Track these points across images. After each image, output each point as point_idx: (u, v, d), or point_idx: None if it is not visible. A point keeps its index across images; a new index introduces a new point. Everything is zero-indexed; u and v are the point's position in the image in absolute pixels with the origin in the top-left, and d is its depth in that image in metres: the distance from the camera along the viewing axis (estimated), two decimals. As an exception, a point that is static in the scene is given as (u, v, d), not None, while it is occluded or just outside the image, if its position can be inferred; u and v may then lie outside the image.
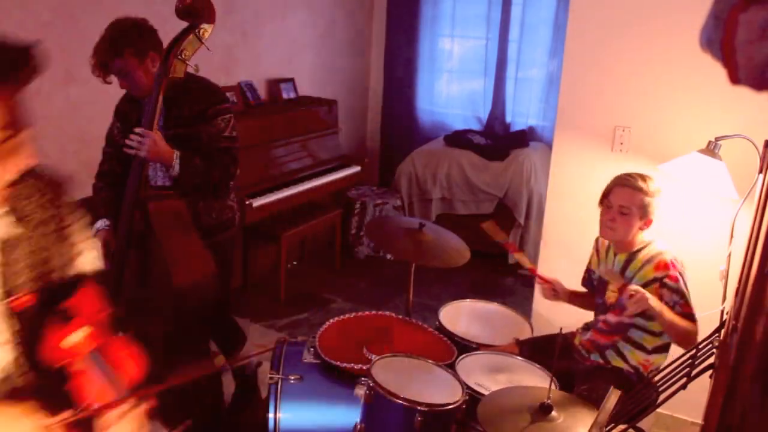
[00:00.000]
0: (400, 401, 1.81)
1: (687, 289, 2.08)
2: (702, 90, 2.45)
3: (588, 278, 2.42)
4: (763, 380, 0.92)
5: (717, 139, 2.26)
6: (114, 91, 2.74)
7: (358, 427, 1.90)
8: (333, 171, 4.28)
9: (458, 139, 4.83)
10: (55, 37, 2.90)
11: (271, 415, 2.03)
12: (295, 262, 4.46)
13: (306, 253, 4.57)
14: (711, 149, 2.27)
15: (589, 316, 2.43)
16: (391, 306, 3.87)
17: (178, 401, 2.21)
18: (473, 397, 1.94)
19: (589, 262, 2.41)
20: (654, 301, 2.00)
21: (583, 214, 2.72)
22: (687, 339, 2.05)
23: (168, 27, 3.61)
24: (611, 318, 2.21)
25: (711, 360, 1.61)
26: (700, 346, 1.70)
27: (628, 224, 2.12)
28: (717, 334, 1.69)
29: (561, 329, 1.91)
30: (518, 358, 2.24)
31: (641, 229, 2.14)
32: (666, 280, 2.07)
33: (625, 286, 2.08)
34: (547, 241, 2.97)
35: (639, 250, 2.16)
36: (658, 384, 1.71)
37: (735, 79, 0.61)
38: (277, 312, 3.78)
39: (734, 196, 2.26)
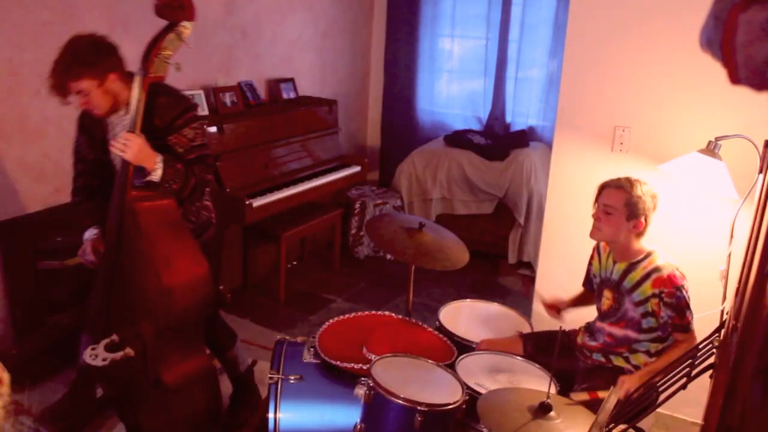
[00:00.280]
0: (400, 401, 1.81)
1: (686, 299, 2.08)
2: (702, 90, 2.45)
3: (588, 279, 2.42)
4: (763, 380, 0.92)
5: (717, 139, 2.26)
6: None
7: (358, 427, 1.90)
8: (333, 171, 4.28)
9: (458, 139, 4.83)
10: (55, 37, 2.89)
11: (271, 415, 2.04)
12: (295, 262, 4.46)
13: (306, 253, 4.57)
14: (711, 149, 2.26)
15: (589, 315, 2.43)
16: (391, 306, 3.87)
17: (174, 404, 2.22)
18: (473, 397, 1.94)
19: (590, 263, 2.41)
20: (638, 378, 2.04)
21: (583, 214, 2.72)
22: (686, 352, 2.07)
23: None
24: (616, 331, 2.21)
25: (711, 360, 1.61)
26: (700, 346, 1.70)
27: (613, 224, 2.12)
28: (717, 334, 1.69)
29: (561, 327, 1.91)
30: (518, 358, 2.24)
31: (633, 232, 2.12)
32: (663, 297, 2.08)
33: (622, 382, 2.07)
34: (547, 241, 2.97)
35: (639, 261, 2.15)
36: (658, 384, 1.71)
37: (735, 79, 0.61)
38: (277, 312, 3.78)
39: (734, 196, 2.26)
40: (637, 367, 2.18)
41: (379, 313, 2.47)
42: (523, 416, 1.63)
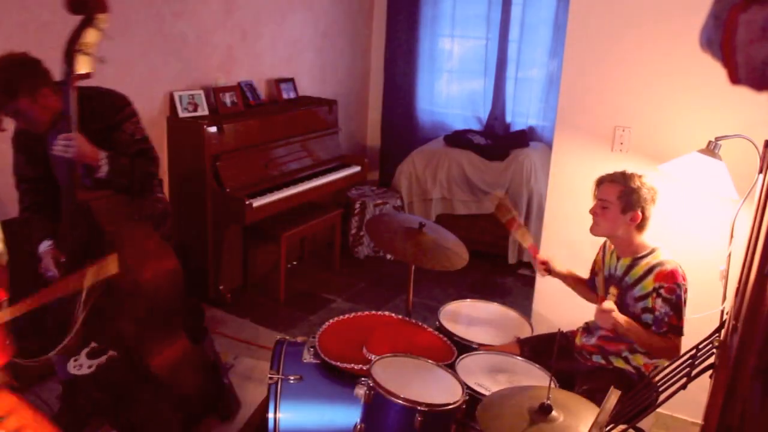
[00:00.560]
0: (400, 401, 1.81)
1: (684, 301, 2.07)
2: (702, 90, 2.45)
3: (592, 280, 2.42)
4: (763, 380, 0.92)
5: (717, 139, 2.26)
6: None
7: (358, 427, 1.90)
8: (333, 171, 4.28)
9: (458, 139, 4.83)
10: (55, 37, 2.89)
11: (271, 415, 2.04)
12: (295, 262, 4.46)
13: (306, 253, 4.57)
14: (711, 149, 2.26)
15: (588, 315, 2.43)
16: (391, 306, 3.87)
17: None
18: (473, 397, 1.94)
19: (594, 264, 2.41)
20: (622, 319, 2.04)
21: (583, 213, 2.72)
22: (665, 354, 2.07)
23: (165, 28, 3.62)
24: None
25: (711, 360, 1.61)
26: (700, 346, 1.70)
27: (610, 218, 2.13)
28: (717, 334, 1.69)
29: (559, 329, 1.91)
30: (518, 358, 2.24)
31: (631, 226, 2.13)
32: (662, 291, 2.07)
33: (602, 299, 2.10)
34: (547, 240, 2.97)
35: (643, 257, 2.15)
36: (658, 384, 1.71)
37: (735, 79, 0.61)
38: (277, 312, 3.78)
39: (734, 196, 2.26)
40: (637, 368, 2.18)
41: (379, 313, 2.47)
42: (523, 419, 1.62)
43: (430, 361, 2.07)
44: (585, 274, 2.47)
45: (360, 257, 4.63)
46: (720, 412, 1.19)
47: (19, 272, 1.88)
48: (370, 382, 1.87)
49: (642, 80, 2.58)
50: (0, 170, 2.83)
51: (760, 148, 2.07)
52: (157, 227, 2.41)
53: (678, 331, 2.07)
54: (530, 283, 3.55)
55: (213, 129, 3.54)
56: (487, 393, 1.93)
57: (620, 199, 2.10)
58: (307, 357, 2.17)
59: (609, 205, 2.12)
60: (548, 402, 1.63)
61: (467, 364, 2.16)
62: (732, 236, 2.18)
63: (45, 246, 2.31)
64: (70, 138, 2.07)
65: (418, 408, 1.80)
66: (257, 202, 3.58)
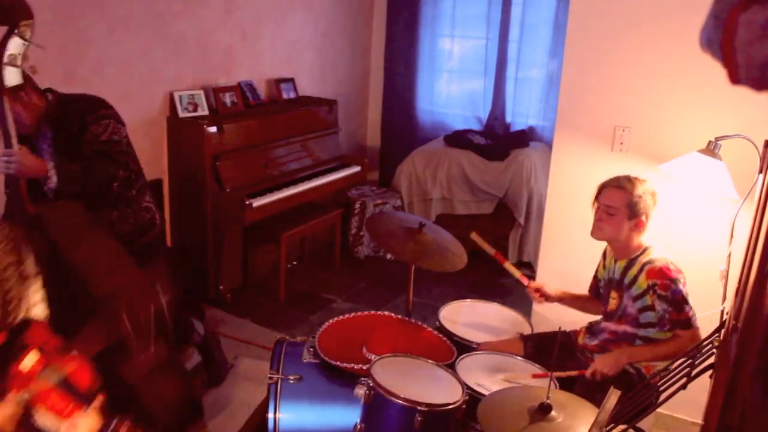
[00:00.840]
0: (400, 401, 1.81)
1: (683, 294, 2.07)
2: (702, 90, 2.45)
3: (595, 286, 2.43)
4: (763, 380, 0.92)
5: (717, 139, 2.26)
6: (112, 93, 2.74)
7: (358, 427, 1.90)
8: (333, 171, 4.28)
9: (458, 139, 4.83)
10: (55, 37, 2.90)
11: (270, 415, 2.03)
12: (295, 262, 4.45)
13: (306, 253, 4.57)
14: (711, 149, 2.26)
15: (588, 314, 2.43)
16: (391, 306, 3.86)
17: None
18: (473, 397, 1.94)
19: (597, 270, 2.41)
20: (626, 354, 2.07)
21: (583, 214, 2.72)
22: (681, 352, 2.06)
23: (165, 28, 3.61)
24: (615, 327, 2.21)
25: (711, 360, 1.61)
26: (700, 346, 1.70)
27: (615, 224, 2.13)
28: (717, 334, 1.69)
29: (560, 328, 1.91)
30: (518, 358, 2.24)
31: (634, 231, 2.13)
32: (657, 289, 2.07)
33: (583, 372, 2.11)
34: (547, 241, 2.97)
35: (637, 257, 2.16)
36: (658, 384, 1.70)
37: (735, 79, 0.61)
38: (277, 312, 3.78)
39: (734, 196, 2.26)
40: (638, 370, 2.18)
41: (379, 313, 2.47)
42: (523, 418, 1.62)
43: (430, 361, 2.07)
44: (584, 274, 2.47)
45: (360, 257, 4.63)
46: (720, 412, 1.19)
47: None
48: (370, 382, 1.87)
49: (642, 80, 2.58)
50: None
51: (760, 148, 2.07)
52: (140, 236, 2.40)
53: (682, 324, 2.06)
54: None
55: (213, 129, 3.54)
56: (487, 393, 1.93)
57: (628, 207, 2.11)
58: (307, 357, 2.17)
59: (615, 212, 2.12)
60: (548, 401, 1.63)
61: (467, 364, 2.16)
62: (732, 236, 2.18)
63: None
64: (11, 154, 2.02)
65: (418, 408, 1.80)
66: (257, 202, 3.58)
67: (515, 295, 4.08)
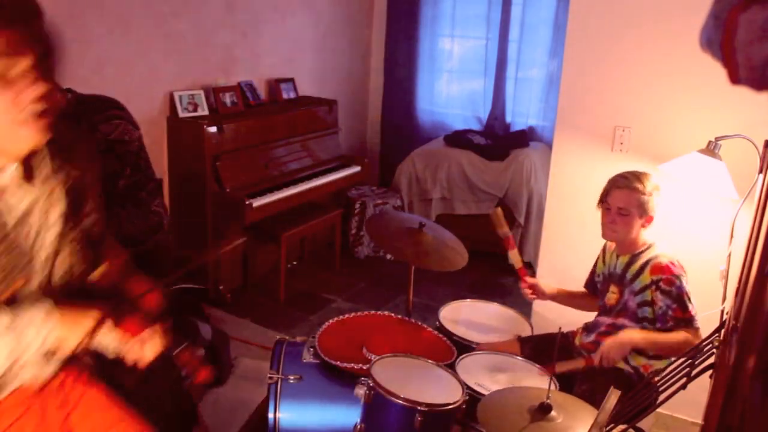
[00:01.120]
0: (400, 401, 1.81)
1: (686, 292, 2.07)
2: (702, 90, 2.45)
3: (591, 281, 2.43)
4: (763, 380, 0.92)
5: (717, 139, 2.26)
6: (112, 93, 2.74)
7: (358, 427, 1.90)
8: (333, 171, 4.28)
9: (458, 139, 4.83)
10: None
11: (270, 415, 2.03)
12: (295, 262, 4.45)
13: (306, 253, 4.57)
14: (711, 149, 2.27)
15: (588, 315, 2.43)
16: (391, 306, 3.87)
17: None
18: (473, 397, 1.93)
19: (595, 266, 2.41)
20: (635, 336, 2.05)
21: (583, 214, 2.72)
22: (683, 350, 2.05)
23: (165, 28, 3.62)
24: (614, 320, 2.21)
25: (711, 360, 1.61)
26: (700, 346, 1.70)
27: (629, 224, 2.13)
28: (717, 334, 1.69)
29: (560, 328, 1.91)
30: (518, 358, 2.24)
31: (643, 227, 2.15)
32: (660, 284, 2.07)
33: (590, 360, 2.10)
34: (547, 241, 2.97)
35: (640, 253, 2.16)
36: (658, 384, 1.70)
37: (735, 79, 0.61)
38: (277, 312, 3.78)
39: (734, 196, 2.26)
40: (636, 369, 2.18)
41: (379, 313, 2.47)
42: (524, 418, 1.62)
43: (430, 361, 2.07)
44: (584, 273, 2.47)
45: (360, 257, 4.63)
46: (720, 412, 1.19)
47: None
48: (370, 382, 1.87)
49: (642, 80, 2.58)
50: None
51: (760, 148, 2.07)
52: (147, 238, 2.41)
53: (687, 323, 2.05)
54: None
55: (213, 129, 3.54)
56: (487, 393, 1.93)
57: (640, 206, 2.11)
58: (307, 357, 2.17)
59: (628, 212, 2.12)
60: (548, 401, 1.63)
61: (467, 364, 2.15)
62: (732, 236, 2.18)
63: None
64: None
65: (418, 408, 1.80)
66: (257, 202, 3.58)
67: (515, 295, 4.08)
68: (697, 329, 2.06)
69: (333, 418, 2.04)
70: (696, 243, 2.54)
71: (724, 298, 2.13)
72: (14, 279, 1.22)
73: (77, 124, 2.31)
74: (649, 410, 1.74)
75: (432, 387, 1.93)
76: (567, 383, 2.18)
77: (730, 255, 2.17)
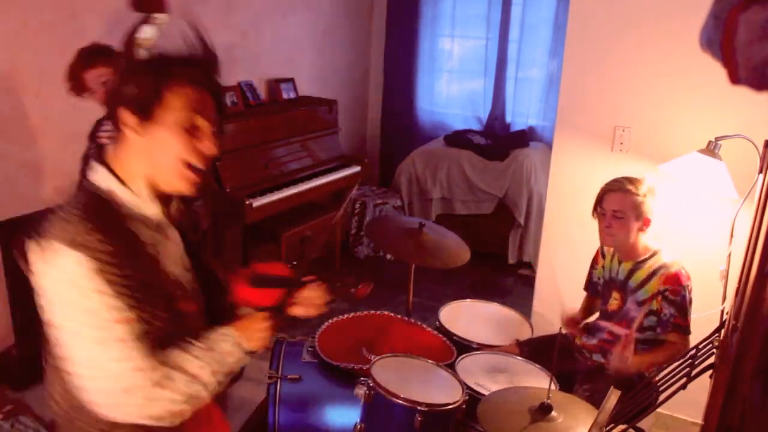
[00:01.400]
0: (400, 401, 1.81)
1: (689, 302, 2.08)
2: (702, 90, 2.45)
3: (590, 283, 2.42)
4: (763, 380, 0.92)
5: (717, 139, 2.26)
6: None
7: (358, 427, 1.90)
8: (333, 171, 4.28)
9: (458, 139, 4.83)
10: (55, 37, 2.90)
11: (270, 415, 2.03)
12: (295, 262, 4.45)
13: (306, 253, 4.57)
14: (711, 149, 2.26)
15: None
16: (391, 306, 3.85)
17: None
18: (473, 397, 1.93)
19: (592, 267, 2.41)
20: (635, 360, 2.03)
21: (583, 214, 2.72)
22: (675, 357, 2.06)
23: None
24: (616, 329, 2.20)
25: (711, 360, 1.61)
26: (700, 346, 1.70)
27: (625, 228, 2.12)
28: (717, 334, 1.69)
29: (560, 329, 1.91)
30: (518, 358, 2.24)
31: (641, 230, 2.13)
32: (668, 294, 2.07)
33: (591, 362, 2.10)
34: (547, 241, 2.97)
35: (645, 260, 2.15)
36: (658, 384, 1.70)
37: (735, 79, 0.61)
38: (277, 312, 3.77)
39: (734, 196, 2.26)
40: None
41: (379, 313, 2.47)
42: (524, 418, 1.62)
43: (430, 361, 2.07)
44: (584, 274, 2.47)
45: (360, 257, 4.63)
46: (720, 412, 1.19)
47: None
48: (370, 382, 1.87)
49: (642, 80, 2.58)
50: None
51: (760, 148, 2.07)
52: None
53: (684, 330, 2.07)
54: (530, 283, 3.55)
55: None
56: (487, 393, 1.93)
57: (635, 208, 2.10)
58: (306, 357, 2.17)
59: (624, 215, 2.11)
60: (548, 401, 1.63)
61: (467, 364, 2.15)
62: (732, 236, 2.18)
63: None
64: None
65: (418, 408, 1.80)
66: (257, 202, 3.58)
67: (515, 295, 4.08)
68: (688, 336, 2.09)
69: (333, 418, 2.04)
70: (696, 243, 2.54)
71: (724, 298, 2.13)
72: (180, 304, 1.29)
73: None
74: (649, 410, 1.74)
75: (432, 387, 1.93)
76: (567, 383, 2.18)
77: (730, 255, 2.16)
